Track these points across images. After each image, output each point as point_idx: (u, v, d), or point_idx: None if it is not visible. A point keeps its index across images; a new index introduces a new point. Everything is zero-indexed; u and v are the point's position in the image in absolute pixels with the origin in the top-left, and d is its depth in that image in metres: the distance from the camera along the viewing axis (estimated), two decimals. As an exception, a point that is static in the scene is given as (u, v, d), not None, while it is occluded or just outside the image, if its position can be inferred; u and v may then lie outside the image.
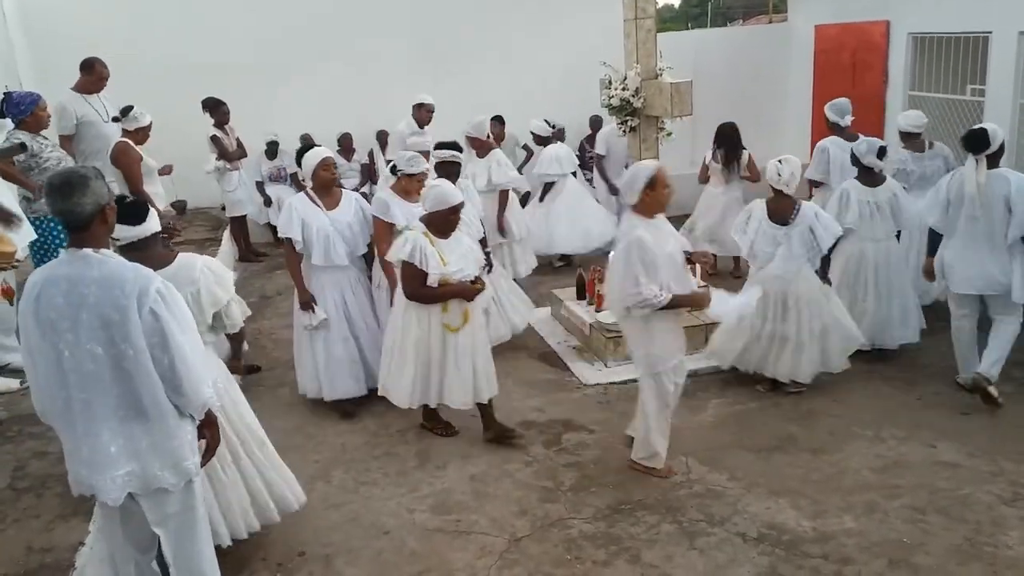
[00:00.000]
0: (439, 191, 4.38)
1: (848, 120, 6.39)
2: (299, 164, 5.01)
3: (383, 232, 4.93)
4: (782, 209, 4.95)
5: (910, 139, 6.24)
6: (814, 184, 6.50)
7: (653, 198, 3.96)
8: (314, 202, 4.92)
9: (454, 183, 5.09)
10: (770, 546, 3.68)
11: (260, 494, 3.59)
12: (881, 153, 5.41)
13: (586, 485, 4.25)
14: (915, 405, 5.00)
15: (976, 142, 4.62)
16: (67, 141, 6.39)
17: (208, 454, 2.97)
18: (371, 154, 9.53)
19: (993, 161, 4.65)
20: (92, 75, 6.46)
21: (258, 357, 6.10)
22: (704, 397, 5.20)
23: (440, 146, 5.54)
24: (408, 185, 5.05)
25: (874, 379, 5.32)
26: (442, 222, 4.38)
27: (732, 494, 4.11)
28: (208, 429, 2.93)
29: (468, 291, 4.40)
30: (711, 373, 5.46)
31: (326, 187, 4.95)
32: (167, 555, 2.92)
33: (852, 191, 5.37)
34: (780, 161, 4.92)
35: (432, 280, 4.28)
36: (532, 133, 8.51)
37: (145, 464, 2.74)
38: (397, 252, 4.36)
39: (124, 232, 3.12)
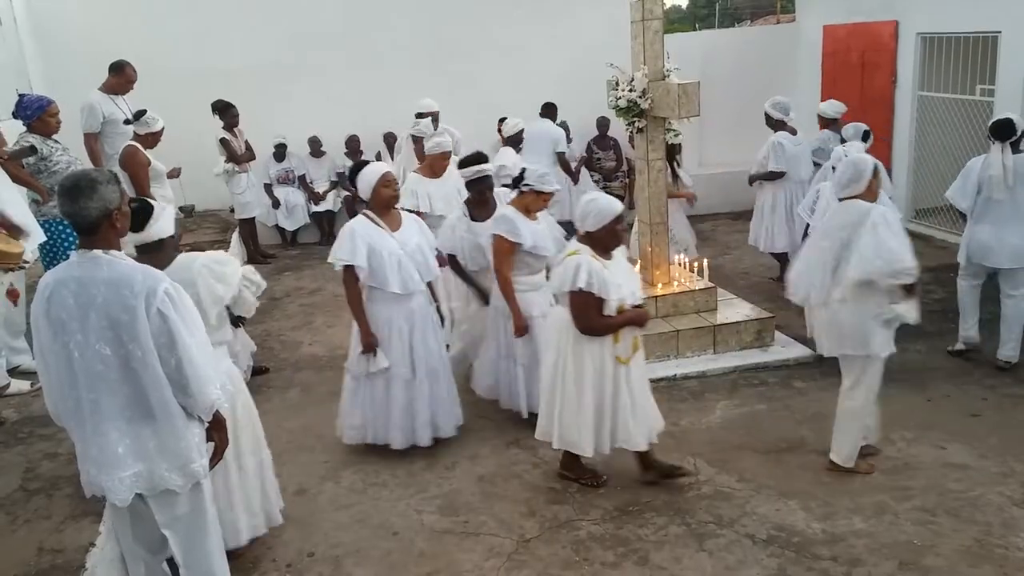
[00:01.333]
0: (600, 203, 3.85)
1: (792, 116, 7.16)
2: (353, 183, 4.43)
3: (506, 252, 4.53)
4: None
5: (832, 123, 7.22)
6: (772, 177, 7.00)
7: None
8: (376, 223, 4.35)
9: (489, 199, 5.00)
10: (779, 548, 3.67)
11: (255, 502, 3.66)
12: (866, 136, 6.29)
13: (594, 486, 4.24)
14: (924, 406, 4.98)
15: (1003, 131, 5.17)
16: (93, 139, 6.45)
17: (216, 457, 2.97)
18: (378, 156, 9.56)
19: (1016, 147, 5.17)
20: (122, 77, 6.54)
21: (266, 359, 6.12)
22: (713, 399, 5.19)
23: (467, 162, 4.96)
24: (533, 203, 4.61)
25: (883, 381, 5.29)
26: (610, 238, 3.87)
27: (741, 495, 4.10)
28: (216, 431, 2.94)
29: (642, 316, 3.96)
30: (720, 375, 5.45)
31: (388, 206, 4.41)
32: (176, 557, 2.93)
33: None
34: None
35: (611, 308, 3.82)
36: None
37: (152, 465, 2.75)
38: (567, 281, 3.79)
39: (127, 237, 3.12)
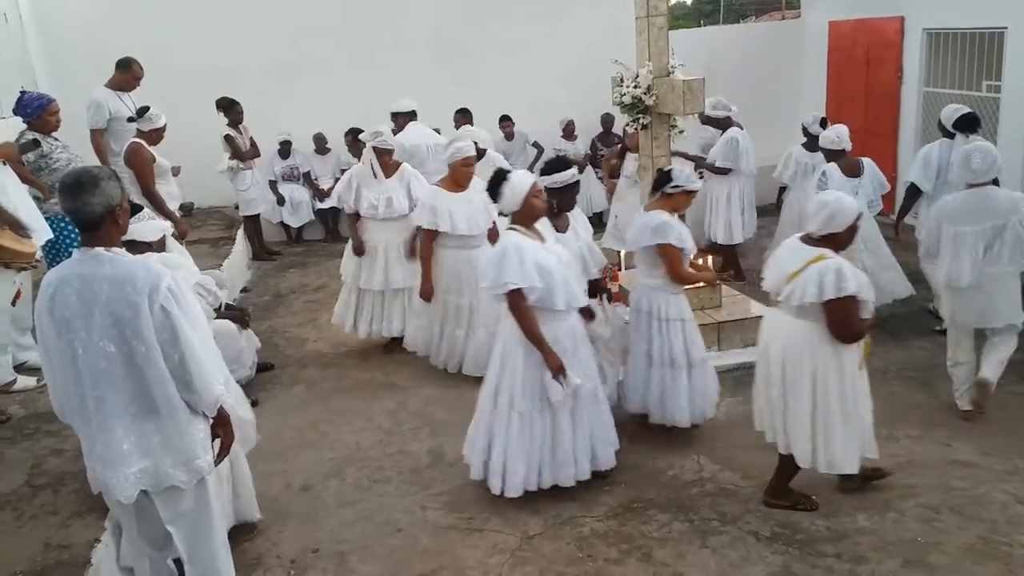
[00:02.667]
0: (840, 202, 3.58)
1: (734, 110, 7.35)
2: (493, 198, 3.93)
3: (677, 259, 4.35)
4: (852, 166, 5.94)
5: (715, 122, 7.41)
6: (719, 171, 7.16)
7: None
8: (531, 237, 3.92)
9: (571, 209, 4.53)
10: (784, 545, 3.67)
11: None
12: (823, 123, 6.84)
13: (598, 483, 4.24)
14: (929, 404, 4.97)
15: (972, 123, 5.81)
16: (99, 135, 6.47)
17: (222, 452, 2.98)
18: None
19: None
20: (128, 74, 6.57)
21: (271, 355, 6.13)
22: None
23: (551, 168, 4.39)
24: (684, 203, 4.48)
25: (888, 378, 5.29)
26: (849, 237, 3.66)
27: (745, 492, 4.09)
28: (221, 427, 2.95)
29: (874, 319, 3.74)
30: (723, 372, 5.43)
31: (538, 218, 4.00)
32: (181, 553, 2.95)
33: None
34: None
35: (867, 311, 3.60)
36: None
37: (157, 461, 2.76)
38: (829, 288, 3.43)
39: None
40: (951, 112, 5.95)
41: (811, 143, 6.83)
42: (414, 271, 5.73)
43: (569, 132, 9.81)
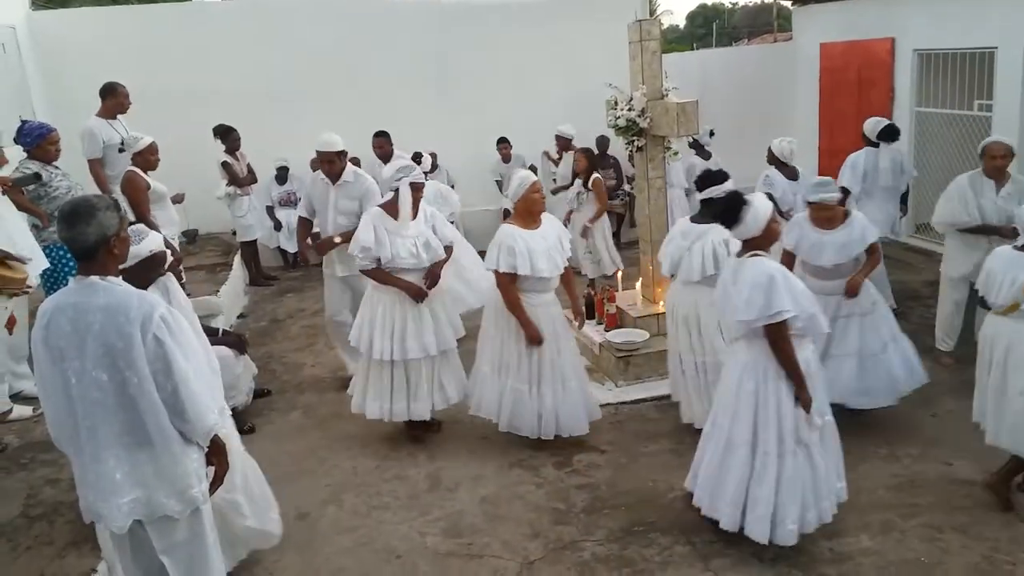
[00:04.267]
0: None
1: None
2: (729, 224, 3.73)
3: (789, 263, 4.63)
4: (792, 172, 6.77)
5: (568, 144, 8.51)
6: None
7: None
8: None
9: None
10: (786, 567, 3.64)
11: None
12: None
13: (598, 507, 4.22)
14: (930, 422, 4.95)
15: (893, 133, 6.65)
16: (98, 165, 6.48)
17: (216, 482, 2.94)
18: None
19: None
20: (115, 98, 6.57)
21: (268, 381, 6.11)
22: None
23: (710, 181, 4.72)
24: (820, 214, 4.73)
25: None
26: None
27: (746, 514, 4.06)
28: (216, 456, 2.92)
29: None
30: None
31: (775, 241, 3.90)
32: None
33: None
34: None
35: None
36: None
37: (151, 491, 2.74)
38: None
39: None
40: (874, 124, 6.70)
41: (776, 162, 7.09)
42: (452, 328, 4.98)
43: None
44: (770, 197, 7.02)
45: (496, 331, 4.74)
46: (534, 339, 4.61)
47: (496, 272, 4.57)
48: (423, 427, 5.08)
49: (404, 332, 4.74)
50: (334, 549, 3.97)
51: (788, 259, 4.82)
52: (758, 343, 3.57)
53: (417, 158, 7.22)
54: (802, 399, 3.55)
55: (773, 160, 7.01)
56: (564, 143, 8.82)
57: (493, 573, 3.73)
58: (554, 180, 9.04)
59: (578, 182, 7.75)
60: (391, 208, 4.77)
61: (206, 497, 2.86)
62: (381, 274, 4.74)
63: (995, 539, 3.72)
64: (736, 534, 3.68)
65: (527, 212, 4.64)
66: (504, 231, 4.62)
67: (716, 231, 4.56)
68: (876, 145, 6.68)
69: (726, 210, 3.69)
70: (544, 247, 4.61)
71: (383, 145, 8.12)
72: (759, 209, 3.62)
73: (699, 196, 4.82)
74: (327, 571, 3.81)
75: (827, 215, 4.77)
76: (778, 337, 3.51)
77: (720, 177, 4.74)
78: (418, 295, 4.73)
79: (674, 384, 5.04)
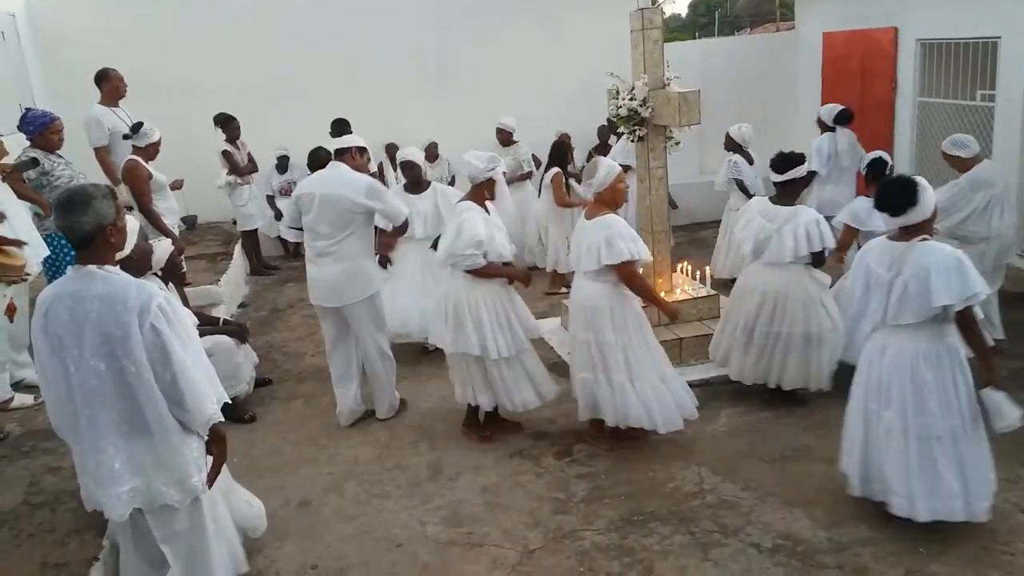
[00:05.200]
0: None
1: None
2: (903, 209, 3.56)
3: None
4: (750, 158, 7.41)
5: (509, 137, 8.53)
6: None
7: None
8: None
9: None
10: (785, 556, 3.65)
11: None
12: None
13: (598, 496, 4.24)
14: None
15: (848, 117, 7.15)
16: (105, 152, 6.48)
17: (213, 470, 2.94)
18: (380, 167, 9.58)
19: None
20: (110, 83, 6.55)
21: (269, 371, 6.12)
22: (716, 407, 5.17)
23: (791, 163, 4.89)
24: None
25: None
26: None
27: (746, 504, 4.08)
28: (216, 445, 2.93)
29: None
30: (723, 383, 5.43)
31: (620, 204, 4.44)
32: (176, 572, 2.92)
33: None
34: None
35: None
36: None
37: (150, 480, 2.75)
38: None
39: None
40: (829, 110, 7.28)
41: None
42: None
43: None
44: (740, 183, 7.22)
45: (617, 335, 4.40)
46: (675, 313, 4.74)
47: (626, 263, 4.29)
48: (503, 426, 4.97)
49: (511, 323, 4.62)
50: (335, 537, 3.99)
51: (850, 235, 5.40)
52: (929, 329, 3.55)
53: (392, 149, 7.12)
54: (992, 378, 3.58)
55: (733, 146, 7.50)
56: (505, 136, 8.72)
57: (493, 562, 3.74)
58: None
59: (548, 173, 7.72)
60: (480, 198, 4.61)
61: (205, 487, 2.87)
62: (492, 267, 4.53)
63: (994, 529, 3.73)
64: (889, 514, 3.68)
65: (613, 202, 4.45)
66: (619, 221, 4.37)
67: (805, 213, 4.76)
68: (833, 130, 7.20)
69: (901, 194, 3.56)
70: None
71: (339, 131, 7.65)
72: (930, 191, 3.59)
73: (776, 178, 4.92)
74: (328, 559, 3.82)
75: None
76: (970, 320, 3.50)
77: (798, 159, 4.87)
78: (529, 279, 4.72)
79: (726, 349, 5.21)
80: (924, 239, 3.57)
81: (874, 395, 3.74)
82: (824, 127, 7.31)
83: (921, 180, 3.59)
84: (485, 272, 4.51)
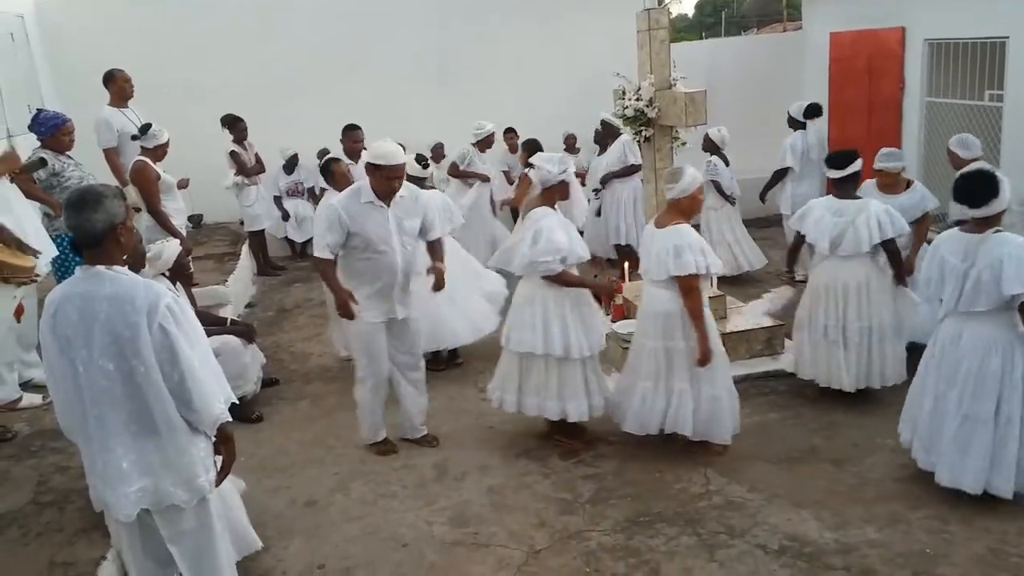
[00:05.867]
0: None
1: None
2: (984, 200, 3.73)
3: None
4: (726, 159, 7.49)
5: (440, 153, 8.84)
6: (632, 171, 7.65)
7: None
8: None
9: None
10: (791, 558, 3.64)
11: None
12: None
13: (604, 497, 4.23)
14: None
15: (817, 111, 7.63)
16: (114, 154, 6.51)
17: (223, 471, 2.95)
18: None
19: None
20: (116, 83, 6.58)
21: (277, 371, 6.13)
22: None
23: (847, 160, 5.09)
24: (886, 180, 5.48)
25: (896, 389, 5.25)
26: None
27: (753, 505, 4.07)
28: (224, 445, 2.93)
29: None
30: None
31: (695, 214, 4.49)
32: (183, 572, 2.93)
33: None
34: None
35: None
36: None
37: (158, 480, 2.76)
38: None
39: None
40: (799, 106, 7.63)
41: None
42: None
43: (571, 144, 9.84)
44: (716, 184, 7.30)
45: (688, 342, 4.38)
46: (706, 357, 4.35)
47: (692, 276, 4.24)
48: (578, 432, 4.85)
49: (590, 324, 4.61)
50: (341, 537, 4.00)
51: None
52: (1002, 316, 3.74)
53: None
54: None
55: (711, 147, 7.69)
56: (437, 152, 8.93)
57: (499, 562, 3.74)
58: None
59: None
60: (551, 202, 4.53)
61: (213, 487, 2.87)
62: (568, 275, 4.47)
63: (1002, 531, 3.72)
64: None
65: (689, 211, 4.40)
66: (691, 232, 4.35)
67: (873, 204, 4.95)
68: (804, 126, 7.55)
69: (984, 186, 3.76)
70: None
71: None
72: (1007, 183, 3.78)
73: (836, 174, 5.09)
74: (335, 558, 3.83)
75: (891, 181, 5.53)
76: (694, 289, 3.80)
77: (853, 154, 5.11)
78: (611, 292, 4.84)
79: (813, 355, 5.13)
80: (998, 231, 3.75)
81: (945, 377, 3.94)
82: (795, 124, 7.60)
83: (999, 172, 3.83)
84: (561, 280, 4.45)
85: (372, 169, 4.40)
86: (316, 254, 4.56)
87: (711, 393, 4.42)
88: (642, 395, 4.51)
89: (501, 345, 4.72)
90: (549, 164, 4.47)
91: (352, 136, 7.07)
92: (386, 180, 4.38)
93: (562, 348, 4.46)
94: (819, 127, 7.59)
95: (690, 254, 4.22)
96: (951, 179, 5.90)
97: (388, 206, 4.45)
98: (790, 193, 7.58)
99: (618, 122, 7.32)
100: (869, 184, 5.62)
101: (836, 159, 5.15)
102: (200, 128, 8.05)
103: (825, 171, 5.35)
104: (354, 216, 4.39)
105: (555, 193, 4.53)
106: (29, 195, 5.03)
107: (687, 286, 4.28)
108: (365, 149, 5.96)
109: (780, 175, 7.73)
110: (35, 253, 4.61)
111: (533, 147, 7.44)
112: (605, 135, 8.05)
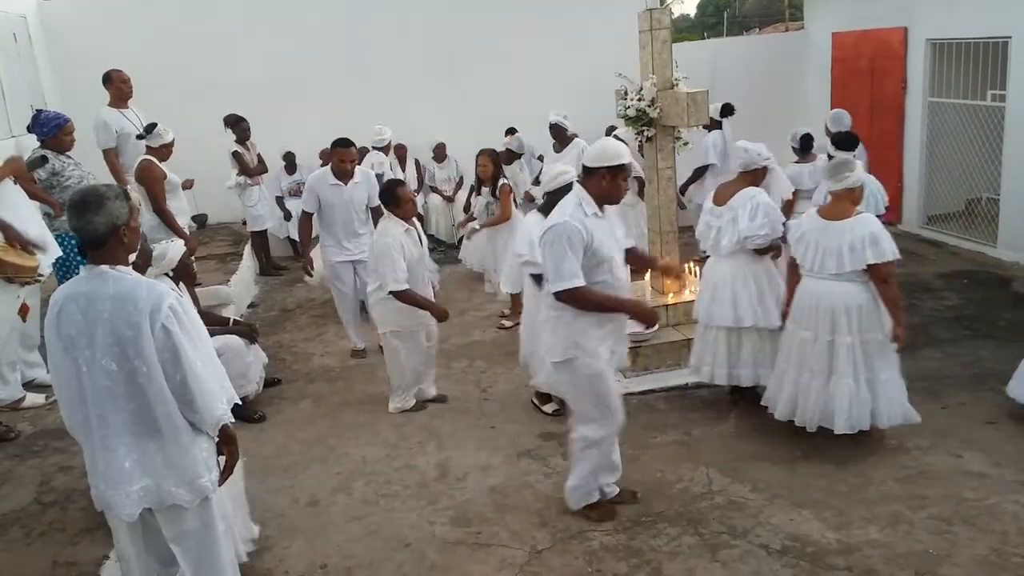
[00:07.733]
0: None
1: None
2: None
3: None
4: None
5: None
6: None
7: None
8: None
9: None
10: (794, 558, 3.64)
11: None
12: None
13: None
14: (940, 414, 4.93)
15: (731, 110, 8.14)
16: (113, 154, 6.52)
17: (226, 472, 2.95)
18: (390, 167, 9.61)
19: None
20: (113, 85, 6.59)
21: (278, 370, 6.14)
22: (725, 408, 5.16)
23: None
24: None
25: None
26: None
27: (755, 505, 4.07)
28: (227, 446, 2.93)
29: None
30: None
31: None
32: (186, 572, 2.93)
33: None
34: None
35: None
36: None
37: (160, 480, 2.76)
38: None
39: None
40: (715, 107, 7.95)
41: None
42: None
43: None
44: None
45: (883, 332, 4.40)
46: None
47: (890, 263, 4.22)
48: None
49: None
50: (344, 537, 4.00)
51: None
52: None
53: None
54: None
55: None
56: (439, 152, 9.08)
57: (501, 562, 3.74)
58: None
59: (486, 190, 7.06)
60: (750, 184, 4.86)
61: (215, 486, 2.88)
62: (775, 245, 4.86)
63: (1004, 532, 3.72)
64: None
65: (859, 200, 4.45)
66: (875, 219, 4.35)
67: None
68: (719, 125, 8.05)
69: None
70: None
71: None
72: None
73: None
74: (337, 558, 3.83)
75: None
76: None
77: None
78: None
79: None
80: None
81: None
82: (714, 124, 8.02)
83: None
84: (768, 250, 4.81)
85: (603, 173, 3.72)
86: (393, 288, 4.85)
87: (891, 375, 4.45)
88: (815, 391, 4.45)
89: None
90: (755, 147, 4.87)
91: (342, 154, 5.90)
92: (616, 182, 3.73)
93: (777, 319, 4.75)
94: (731, 125, 8.13)
95: (886, 241, 4.23)
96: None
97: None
98: (710, 187, 7.58)
99: (568, 124, 7.79)
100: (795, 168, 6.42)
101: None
102: (202, 128, 8.06)
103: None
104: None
105: (757, 176, 4.86)
106: (30, 195, 5.04)
107: (886, 272, 4.25)
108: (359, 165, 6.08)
109: (701, 172, 8.22)
110: (41, 249, 4.62)
111: (499, 155, 7.24)
112: (557, 138, 7.80)
